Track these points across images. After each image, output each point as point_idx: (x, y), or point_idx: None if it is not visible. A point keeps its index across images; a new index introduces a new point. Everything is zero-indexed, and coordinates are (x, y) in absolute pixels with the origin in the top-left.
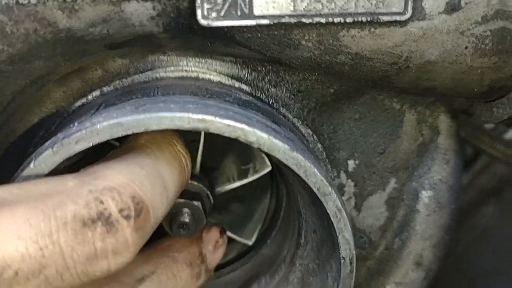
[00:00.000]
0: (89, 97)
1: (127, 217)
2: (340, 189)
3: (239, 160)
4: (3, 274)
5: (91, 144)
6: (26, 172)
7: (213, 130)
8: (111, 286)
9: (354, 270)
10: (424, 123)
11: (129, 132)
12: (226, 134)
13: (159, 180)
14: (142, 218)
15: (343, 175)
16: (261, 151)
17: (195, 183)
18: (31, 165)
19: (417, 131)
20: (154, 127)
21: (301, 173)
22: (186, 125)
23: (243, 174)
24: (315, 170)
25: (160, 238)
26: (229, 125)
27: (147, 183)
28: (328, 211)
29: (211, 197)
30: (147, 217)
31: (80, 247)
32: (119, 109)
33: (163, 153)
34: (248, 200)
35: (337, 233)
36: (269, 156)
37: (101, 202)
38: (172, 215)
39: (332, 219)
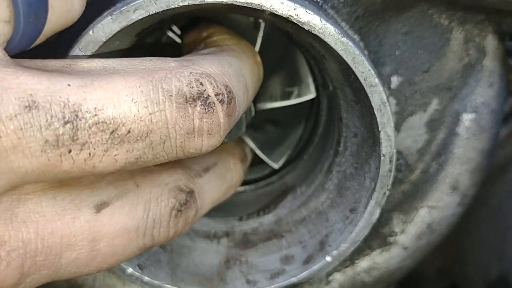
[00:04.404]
0: None
1: (221, 102)
2: None
3: (284, 82)
4: (117, 131)
5: (148, 14)
6: (85, 39)
7: (266, 6)
8: (185, 171)
9: (393, 169)
10: (471, 43)
11: (185, 3)
12: (279, 12)
13: (242, 80)
14: (232, 105)
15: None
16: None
17: None
18: (90, 31)
19: (463, 50)
20: None
21: (349, 60)
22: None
23: (285, 96)
24: (363, 58)
25: None
26: (282, 3)
27: (234, 80)
28: (373, 104)
29: (252, 110)
30: (235, 106)
31: (182, 121)
32: None
33: (248, 59)
34: (283, 126)
35: (379, 128)
36: (315, 81)
37: (201, 83)
38: None
39: (376, 113)
